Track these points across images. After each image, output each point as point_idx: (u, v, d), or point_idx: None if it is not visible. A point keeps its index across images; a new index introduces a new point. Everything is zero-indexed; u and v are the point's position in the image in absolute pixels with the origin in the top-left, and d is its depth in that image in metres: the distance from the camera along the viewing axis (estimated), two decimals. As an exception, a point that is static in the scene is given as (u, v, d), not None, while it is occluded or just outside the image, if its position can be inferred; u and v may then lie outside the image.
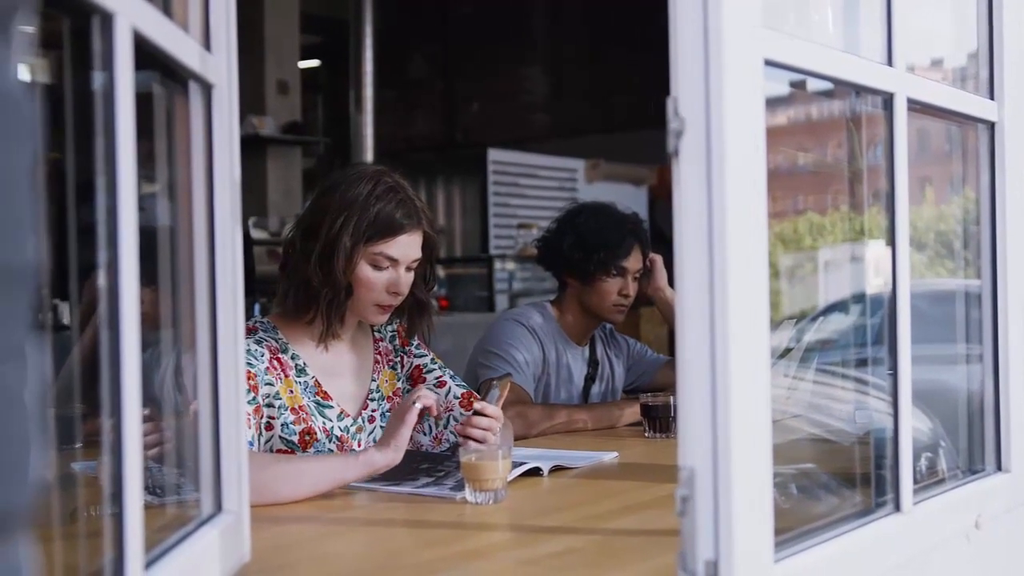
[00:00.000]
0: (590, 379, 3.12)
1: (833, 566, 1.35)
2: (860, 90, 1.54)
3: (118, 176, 0.98)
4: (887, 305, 1.53)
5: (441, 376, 2.37)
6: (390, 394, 2.33)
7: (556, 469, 2.16)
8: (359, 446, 2.23)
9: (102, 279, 0.98)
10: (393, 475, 1.98)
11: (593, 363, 3.13)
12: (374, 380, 2.32)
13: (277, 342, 2.19)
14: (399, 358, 2.38)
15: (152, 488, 1.27)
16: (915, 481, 1.54)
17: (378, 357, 2.34)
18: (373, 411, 2.29)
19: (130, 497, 1.00)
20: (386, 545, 1.65)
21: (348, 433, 2.22)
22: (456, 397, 2.33)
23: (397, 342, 2.39)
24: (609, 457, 2.33)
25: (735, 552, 1.14)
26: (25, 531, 0.60)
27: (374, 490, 1.96)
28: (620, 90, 9.24)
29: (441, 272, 7.79)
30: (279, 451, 2.12)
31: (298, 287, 2.17)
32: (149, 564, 1.08)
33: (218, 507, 1.36)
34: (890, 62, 1.50)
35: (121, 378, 0.99)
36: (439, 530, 1.70)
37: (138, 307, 1.00)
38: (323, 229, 2.13)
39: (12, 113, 0.56)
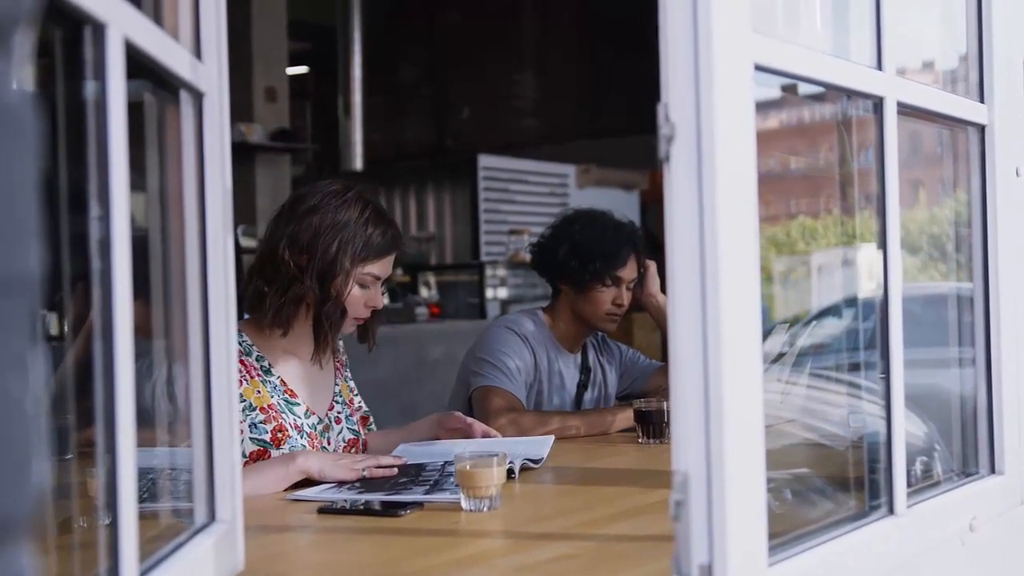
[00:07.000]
0: (583, 386, 3.11)
1: (827, 569, 1.36)
2: (850, 94, 1.55)
3: (110, 185, 0.98)
4: (879, 308, 1.53)
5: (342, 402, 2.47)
6: (348, 400, 2.45)
7: (526, 468, 2.19)
8: (328, 444, 2.33)
9: (95, 289, 0.97)
10: (390, 488, 1.98)
11: (585, 370, 3.12)
12: (336, 385, 2.43)
13: (241, 345, 2.25)
14: (347, 371, 2.50)
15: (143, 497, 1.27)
16: (909, 484, 1.54)
17: (338, 365, 2.46)
18: (339, 413, 2.40)
19: (124, 508, 1.00)
20: (381, 553, 1.64)
21: (316, 431, 2.31)
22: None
23: (345, 358, 2.51)
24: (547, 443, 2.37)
25: (729, 556, 1.14)
26: (27, 538, 0.60)
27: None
28: (611, 95, 9.24)
29: (432, 279, 7.79)
30: (252, 453, 2.16)
31: (290, 303, 2.24)
32: (143, 574, 1.07)
33: (212, 517, 1.35)
34: (880, 66, 1.51)
35: (115, 388, 0.99)
36: (434, 537, 1.70)
37: (131, 317, 1.00)
38: (317, 250, 2.22)
39: (14, 125, 0.57)
